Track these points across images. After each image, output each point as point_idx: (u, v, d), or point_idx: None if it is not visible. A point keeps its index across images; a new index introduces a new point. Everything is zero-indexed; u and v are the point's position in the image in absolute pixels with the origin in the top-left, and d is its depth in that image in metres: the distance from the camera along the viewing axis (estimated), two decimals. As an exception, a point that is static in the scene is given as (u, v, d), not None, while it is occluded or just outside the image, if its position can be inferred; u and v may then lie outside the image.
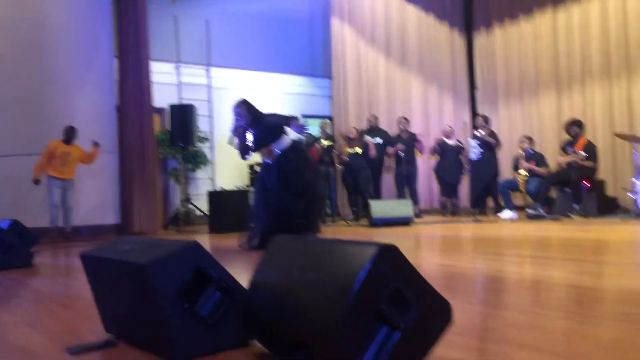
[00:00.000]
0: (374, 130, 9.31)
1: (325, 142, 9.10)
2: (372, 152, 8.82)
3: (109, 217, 8.01)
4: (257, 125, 5.12)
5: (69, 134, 7.24)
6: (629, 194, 7.08)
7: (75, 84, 7.79)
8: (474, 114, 11.06)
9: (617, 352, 1.63)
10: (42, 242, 6.42)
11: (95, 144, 7.32)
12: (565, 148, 8.15)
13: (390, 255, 1.32)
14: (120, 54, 8.26)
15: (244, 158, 5.32)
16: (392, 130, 9.76)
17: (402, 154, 9.00)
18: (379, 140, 9.15)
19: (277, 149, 5.07)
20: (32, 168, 7.15)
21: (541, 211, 7.78)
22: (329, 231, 7.19)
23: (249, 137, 5.15)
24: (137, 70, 8.17)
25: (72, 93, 7.75)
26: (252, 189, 7.85)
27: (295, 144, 5.25)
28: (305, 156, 5.33)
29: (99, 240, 6.84)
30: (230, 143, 5.33)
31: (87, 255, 1.95)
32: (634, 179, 6.95)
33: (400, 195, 9.08)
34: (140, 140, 8.07)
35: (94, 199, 7.88)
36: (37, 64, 7.61)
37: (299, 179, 5.02)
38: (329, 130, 9.64)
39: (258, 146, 5.12)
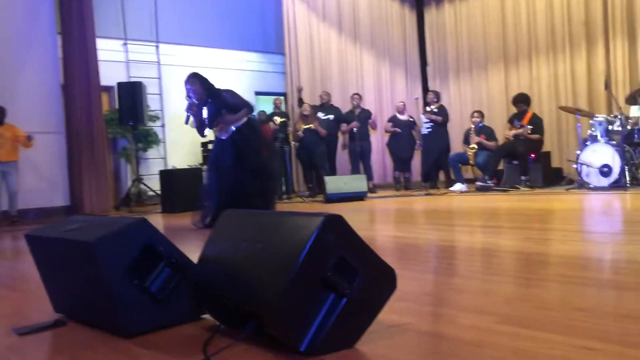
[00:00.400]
0: (327, 107, 9.31)
1: (279, 119, 9.06)
2: (322, 132, 8.83)
3: (58, 198, 7.81)
4: (212, 101, 5.01)
5: None
6: (573, 165, 7.34)
7: (15, 62, 7.49)
8: (426, 89, 11.19)
9: (556, 312, 1.71)
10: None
11: (29, 138, 6.94)
12: (512, 121, 8.36)
13: (335, 224, 1.35)
14: (63, 30, 7.95)
15: (202, 135, 5.22)
16: (346, 106, 9.79)
17: (356, 130, 9.05)
18: (330, 116, 9.17)
19: (232, 125, 5.00)
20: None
21: (490, 183, 8.00)
22: (285, 208, 7.20)
23: (205, 113, 5.03)
24: (82, 48, 7.89)
25: (11, 72, 7.44)
26: (205, 167, 7.76)
27: (250, 121, 5.16)
28: (260, 134, 5.27)
29: (48, 222, 6.67)
30: (187, 123, 5.18)
31: (33, 235, 1.91)
32: (577, 151, 7.20)
33: (355, 170, 9.16)
34: (88, 120, 7.85)
35: (42, 180, 7.65)
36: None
37: (254, 156, 4.97)
38: (282, 107, 9.59)
39: (213, 122, 5.01)
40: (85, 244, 1.58)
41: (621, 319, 1.60)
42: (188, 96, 5.03)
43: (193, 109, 5.01)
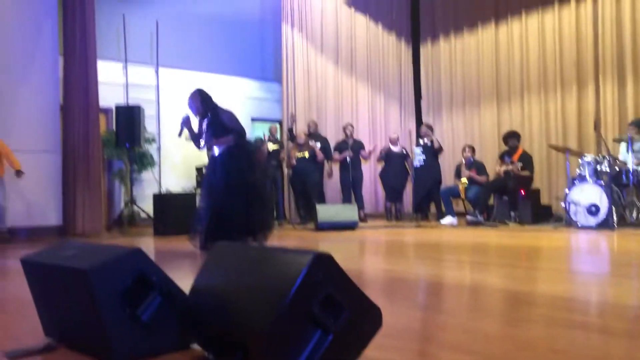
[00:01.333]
0: (314, 135, 9.41)
1: (272, 146, 9.12)
2: (320, 156, 8.91)
3: (51, 218, 7.79)
4: (210, 117, 5.13)
5: None
6: (562, 202, 7.42)
7: (16, 80, 7.52)
8: (419, 122, 11.33)
9: (536, 353, 1.75)
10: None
11: (18, 173, 6.98)
12: (503, 157, 8.48)
13: (324, 263, 1.40)
14: (65, 52, 8.04)
15: (198, 146, 5.32)
16: (339, 136, 9.90)
17: (349, 160, 9.14)
18: (318, 144, 9.27)
19: (219, 146, 5.10)
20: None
21: (480, 218, 8.07)
22: (275, 235, 7.23)
23: (204, 125, 5.16)
24: (83, 69, 7.98)
25: (11, 90, 7.48)
26: (199, 191, 7.80)
27: (242, 142, 5.18)
28: (249, 155, 5.28)
29: (39, 242, 6.65)
30: (180, 135, 5.36)
31: (29, 260, 1.94)
32: (566, 189, 7.30)
33: (346, 199, 9.22)
34: (85, 140, 7.88)
35: (34, 198, 7.64)
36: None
37: (241, 176, 5.00)
38: (277, 135, 9.67)
39: (210, 136, 5.11)
40: (81, 272, 1.62)
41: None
42: (189, 110, 5.24)
43: (188, 124, 5.23)
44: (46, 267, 1.85)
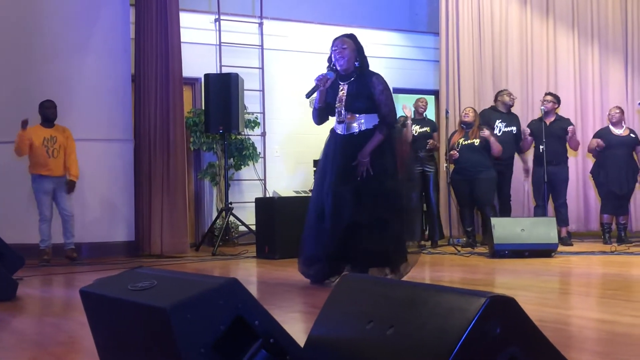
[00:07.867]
0: (508, 114, 9.19)
1: (417, 129, 9.03)
2: (495, 148, 8.70)
3: (119, 231, 8.24)
4: (358, 80, 5.22)
5: (48, 111, 7.39)
6: None
7: (74, 45, 8.05)
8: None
9: None
10: (30, 265, 6.70)
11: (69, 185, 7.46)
12: None
13: (503, 310, 1.37)
14: (137, 1, 8.50)
15: (318, 122, 5.42)
16: (530, 112, 9.63)
17: (543, 148, 8.86)
18: (512, 128, 9.02)
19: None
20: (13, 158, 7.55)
21: None
22: (426, 261, 7.19)
23: (341, 92, 5.20)
24: (162, 25, 8.32)
25: (68, 57, 8.01)
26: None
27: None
28: (395, 147, 5.34)
29: (103, 264, 7.10)
30: (308, 96, 5.48)
31: (89, 292, 2.09)
32: None
33: (539, 210, 8.95)
34: (165, 124, 8.20)
35: (99, 206, 8.12)
36: (21, 18, 7.96)
37: (382, 179, 5.06)
38: (427, 114, 9.59)
39: (348, 108, 5.16)
40: (159, 311, 1.72)
41: None
42: (329, 60, 5.31)
43: (325, 82, 5.18)
44: (112, 301, 1.98)
